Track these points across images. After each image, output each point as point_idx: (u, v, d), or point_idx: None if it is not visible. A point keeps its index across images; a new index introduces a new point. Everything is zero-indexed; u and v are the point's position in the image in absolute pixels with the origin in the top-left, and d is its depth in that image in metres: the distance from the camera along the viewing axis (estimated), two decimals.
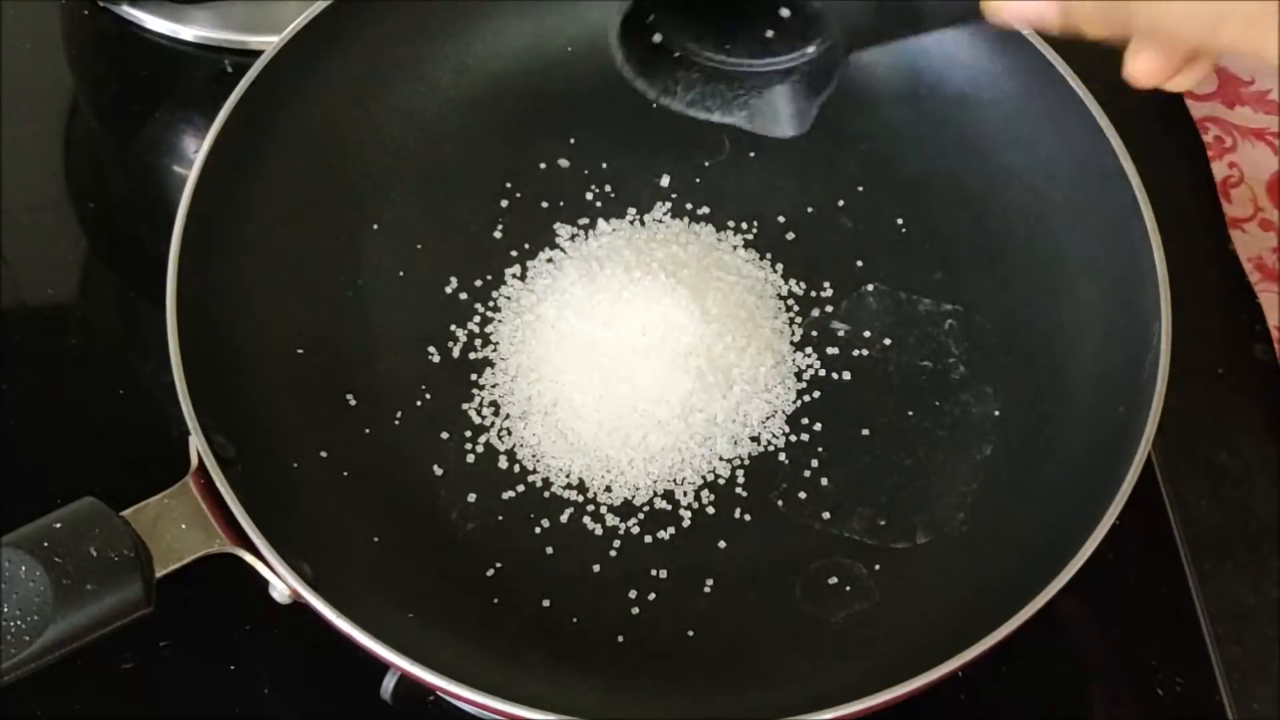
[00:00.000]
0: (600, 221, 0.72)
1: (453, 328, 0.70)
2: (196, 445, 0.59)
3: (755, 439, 0.67)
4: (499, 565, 0.64)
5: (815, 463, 0.67)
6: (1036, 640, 0.58)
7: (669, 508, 0.66)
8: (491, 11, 0.75)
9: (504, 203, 0.73)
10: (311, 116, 0.71)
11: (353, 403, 0.67)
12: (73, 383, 0.71)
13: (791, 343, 0.70)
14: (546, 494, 0.66)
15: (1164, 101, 0.82)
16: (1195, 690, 0.66)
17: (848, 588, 0.64)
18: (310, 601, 0.57)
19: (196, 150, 0.66)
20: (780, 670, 0.62)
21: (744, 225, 0.73)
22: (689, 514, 0.65)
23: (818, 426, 0.68)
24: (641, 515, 0.65)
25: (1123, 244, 0.66)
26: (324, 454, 0.65)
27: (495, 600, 0.63)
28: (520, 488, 0.66)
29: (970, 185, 0.73)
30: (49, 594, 0.53)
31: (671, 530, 0.65)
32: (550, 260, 0.71)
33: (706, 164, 0.74)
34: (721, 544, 0.65)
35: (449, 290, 0.70)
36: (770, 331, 0.70)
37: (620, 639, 0.63)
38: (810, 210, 0.73)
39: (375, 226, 0.72)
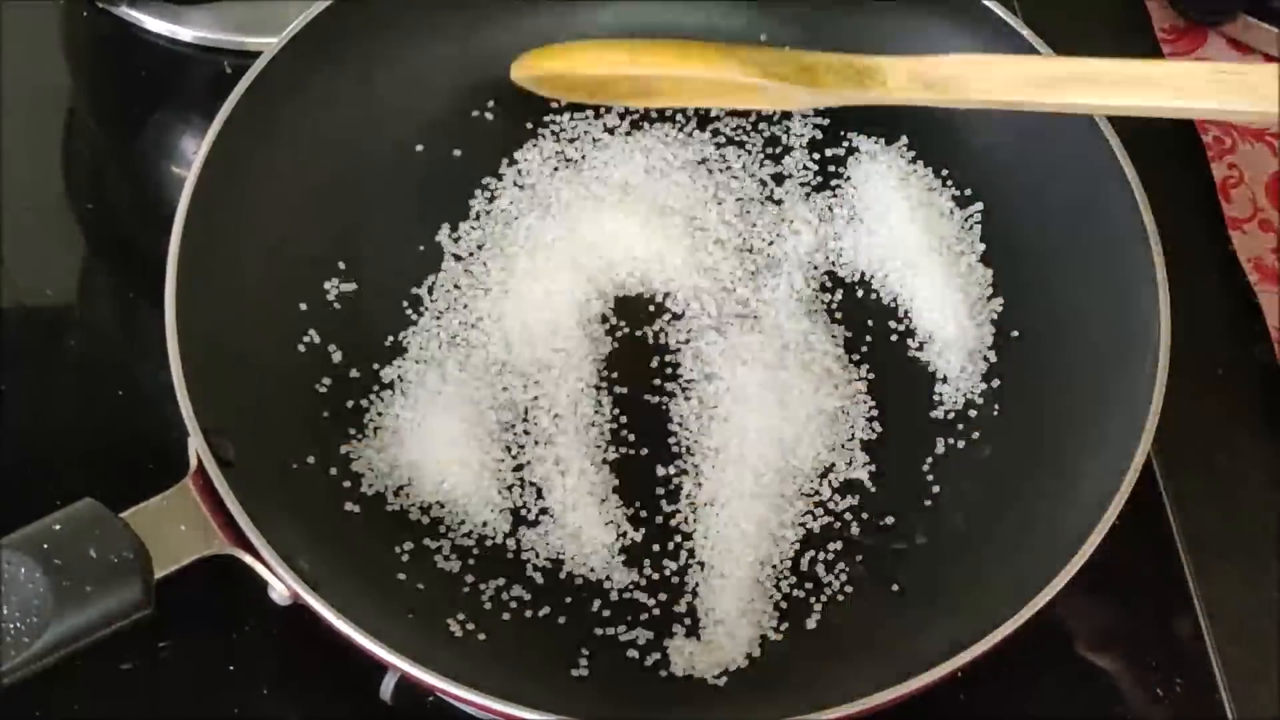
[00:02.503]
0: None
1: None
2: (195, 446, 0.59)
3: None
4: (499, 566, 0.64)
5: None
6: (1036, 640, 0.58)
7: (669, 510, 0.66)
8: (490, 12, 0.75)
9: (507, 202, 0.73)
10: (310, 117, 0.71)
11: (352, 404, 0.67)
12: (72, 384, 0.71)
13: None
14: (549, 497, 0.66)
15: None
16: (1195, 690, 0.66)
17: (848, 588, 0.64)
18: (309, 602, 0.57)
19: (196, 151, 0.66)
20: (779, 671, 0.62)
21: (734, 230, 0.73)
22: (688, 517, 0.65)
23: None
24: (642, 520, 0.65)
25: (1123, 244, 0.66)
26: (323, 455, 0.65)
27: (495, 601, 0.63)
28: (521, 490, 0.66)
29: (969, 185, 0.73)
30: (48, 596, 0.53)
31: (671, 534, 0.65)
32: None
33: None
34: (720, 545, 0.65)
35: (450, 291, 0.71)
36: None
37: (619, 640, 0.62)
38: None
39: (375, 227, 0.71)
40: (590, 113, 0.74)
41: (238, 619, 0.64)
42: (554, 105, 0.75)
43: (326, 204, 0.71)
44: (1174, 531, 0.69)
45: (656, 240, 0.71)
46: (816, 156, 0.74)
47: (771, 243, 0.72)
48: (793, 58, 0.60)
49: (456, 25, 0.75)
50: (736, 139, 0.74)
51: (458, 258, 0.71)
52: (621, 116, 0.74)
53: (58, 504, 0.56)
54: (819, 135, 0.74)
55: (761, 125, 0.75)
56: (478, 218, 0.72)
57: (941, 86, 0.56)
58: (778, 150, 0.74)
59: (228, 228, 0.66)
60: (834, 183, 0.74)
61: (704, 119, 0.75)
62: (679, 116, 0.75)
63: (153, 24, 0.81)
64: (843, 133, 0.74)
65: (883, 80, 0.55)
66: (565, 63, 0.60)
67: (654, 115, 0.74)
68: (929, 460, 0.67)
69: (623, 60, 0.59)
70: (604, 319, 0.70)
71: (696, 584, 0.64)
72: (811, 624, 0.63)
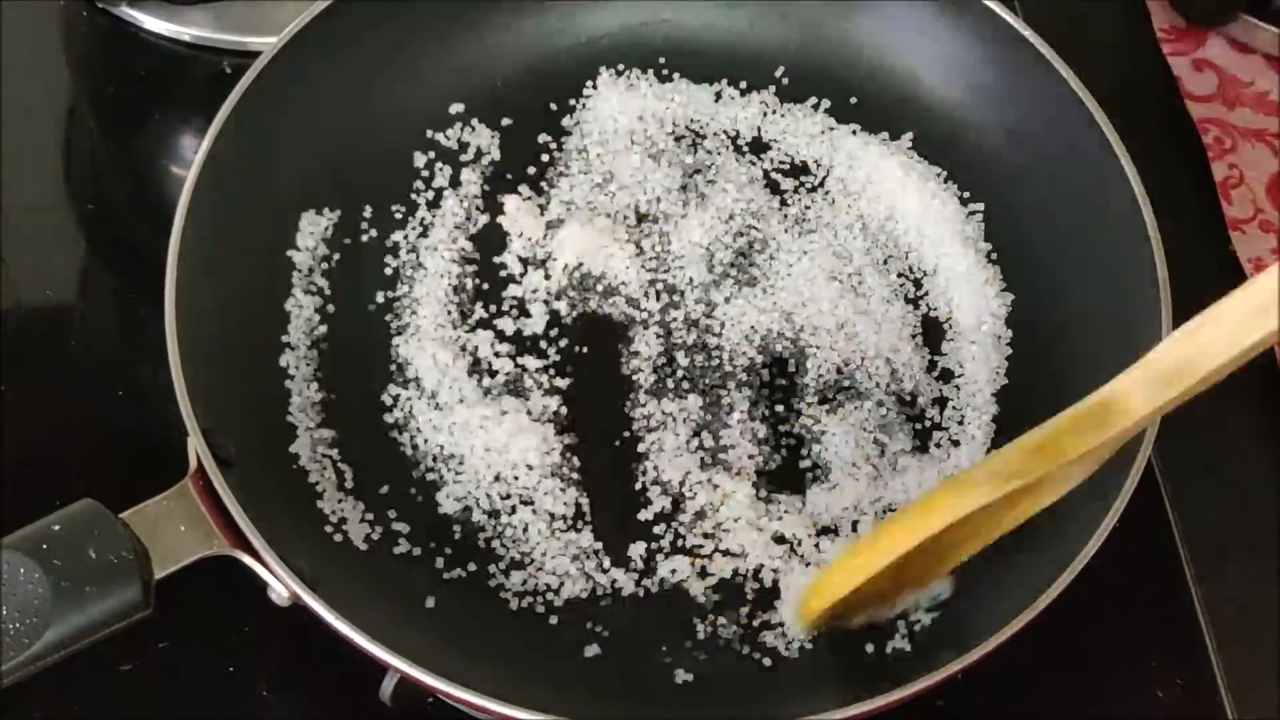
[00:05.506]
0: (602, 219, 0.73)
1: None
2: (195, 447, 0.58)
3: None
4: (499, 569, 0.64)
5: (816, 464, 0.67)
6: (1036, 640, 0.58)
7: (668, 513, 0.65)
8: (490, 12, 0.75)
9: (506, 199, 0.73)
10: (309, 117, 0.71)
11: (351, 404, 0.67)
12: (72, 384, 0.71)
13: None
14: (549, 499, 0.65)
15: (1164, 103, 0.82)
16: (1195, 690, 0.66)
17: None
18: (309, 603, 0.57)
19: (195, 151, 0.66)
20: (779, 672, 0.62)
21: (728, 244, 0.73)
22: (688, 522, 0.65)
23: (818, 426, 0.68)
24: (641, 523, 0.65)
25: (1123, 244, 0.66)
26: (323, 456, 0.65)
27: (494, 603, 0.63)
28: (522, 493, 0.65)
29: (971, 185, 0.73)
30: (48, 596, 0.53)
31: (671, 538, 0.65)
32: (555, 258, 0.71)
33: (695, 171, 0.74)
34: (719, 546, 0.65)
35: (451, 289, 0.70)
36: None
37: (619, 642, 0.62)
38: None
39: (373, 225, 0.71)
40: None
41: (238, 619, 0.64)
42: (554, 107, 0.75)
43: (325, 203, 0.71)
44: (1174, 531, 0.69)
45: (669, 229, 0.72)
46: (818, 156, 0.74)
47: (774, 240, 0.72)
48: (1021, 448, 0.54)
49: (458, 26, 0.75)
50: (735, 140, 0.75)
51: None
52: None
53: (58, 504, 0.56)
54: (821, 135, 0.74)
55: (760, 125, 0.75)
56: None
57: (1177, 375, 0.51)
58: (779, 150, 0.75)
59: (227, 228, 0.66)
60: (837, 182, 0.74)
61: (698, 134, 0.75)
62: (677, 118, 0.75)
63: (153, 24, 0.81)
64: (846, 131, 0.75)
65: (1123, 408, 0.51)
66: (831, 593, 0.56)
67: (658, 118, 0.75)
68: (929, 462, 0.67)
69: (877, 558, 0.55)
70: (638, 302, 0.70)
71: (698, 585, 0.64)
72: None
